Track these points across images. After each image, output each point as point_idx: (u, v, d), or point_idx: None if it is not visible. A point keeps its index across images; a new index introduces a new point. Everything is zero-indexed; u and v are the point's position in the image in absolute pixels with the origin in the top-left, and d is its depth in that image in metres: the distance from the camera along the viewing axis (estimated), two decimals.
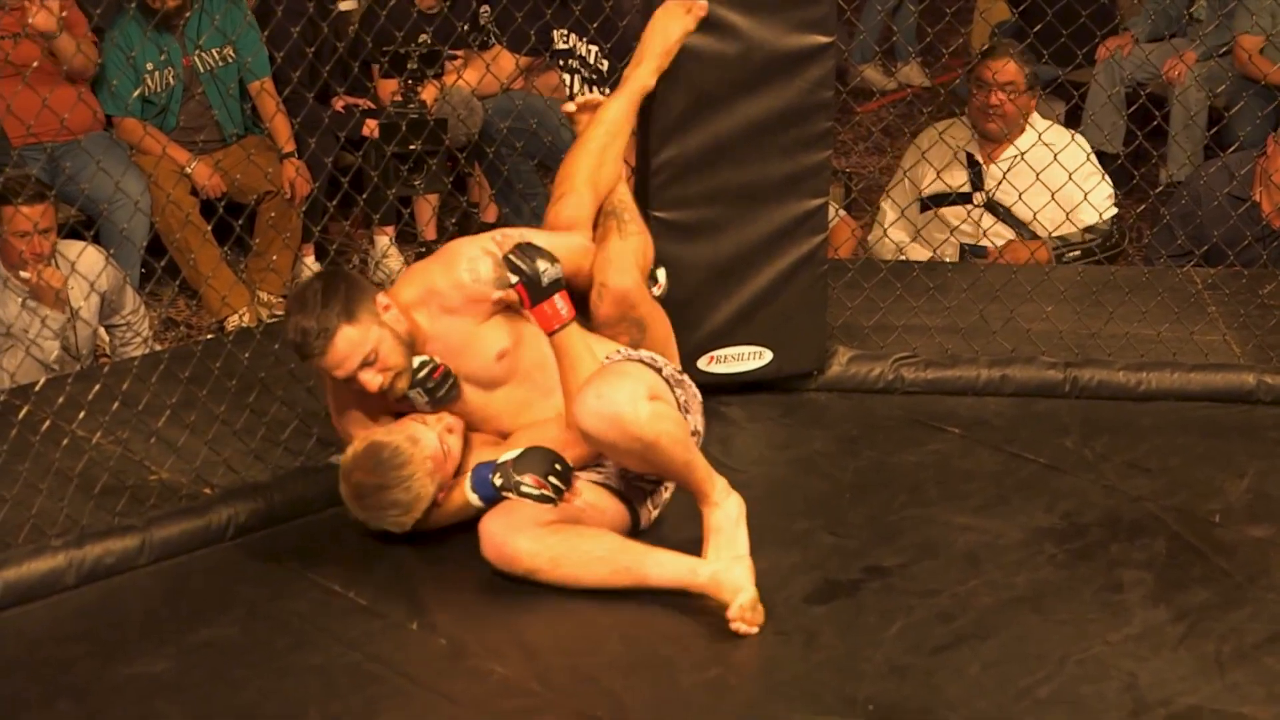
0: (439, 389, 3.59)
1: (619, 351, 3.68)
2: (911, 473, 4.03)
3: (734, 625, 3.33)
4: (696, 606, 3.48)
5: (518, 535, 3.43)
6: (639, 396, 3.37)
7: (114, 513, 3.69)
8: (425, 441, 3.55)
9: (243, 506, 3.76)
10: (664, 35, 4.00)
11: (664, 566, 3.41)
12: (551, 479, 3.49)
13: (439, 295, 3.63)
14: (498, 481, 3.51)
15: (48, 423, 3.79)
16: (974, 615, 3.45)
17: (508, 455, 3.53)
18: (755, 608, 3.34)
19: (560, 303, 3.55)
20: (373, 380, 3.56)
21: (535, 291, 3.53)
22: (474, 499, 3.54)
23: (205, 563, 3.67)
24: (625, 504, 3.63)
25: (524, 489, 3.48)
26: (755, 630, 3.33)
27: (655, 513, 3.69)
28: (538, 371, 3.67)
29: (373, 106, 5.95)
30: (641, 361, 3.60)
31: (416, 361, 3.58)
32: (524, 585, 3.42)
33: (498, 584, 3.47)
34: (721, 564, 3.39)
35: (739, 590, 3.35)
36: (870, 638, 3.38)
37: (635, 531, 3.65)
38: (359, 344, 3.53)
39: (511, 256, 3.54)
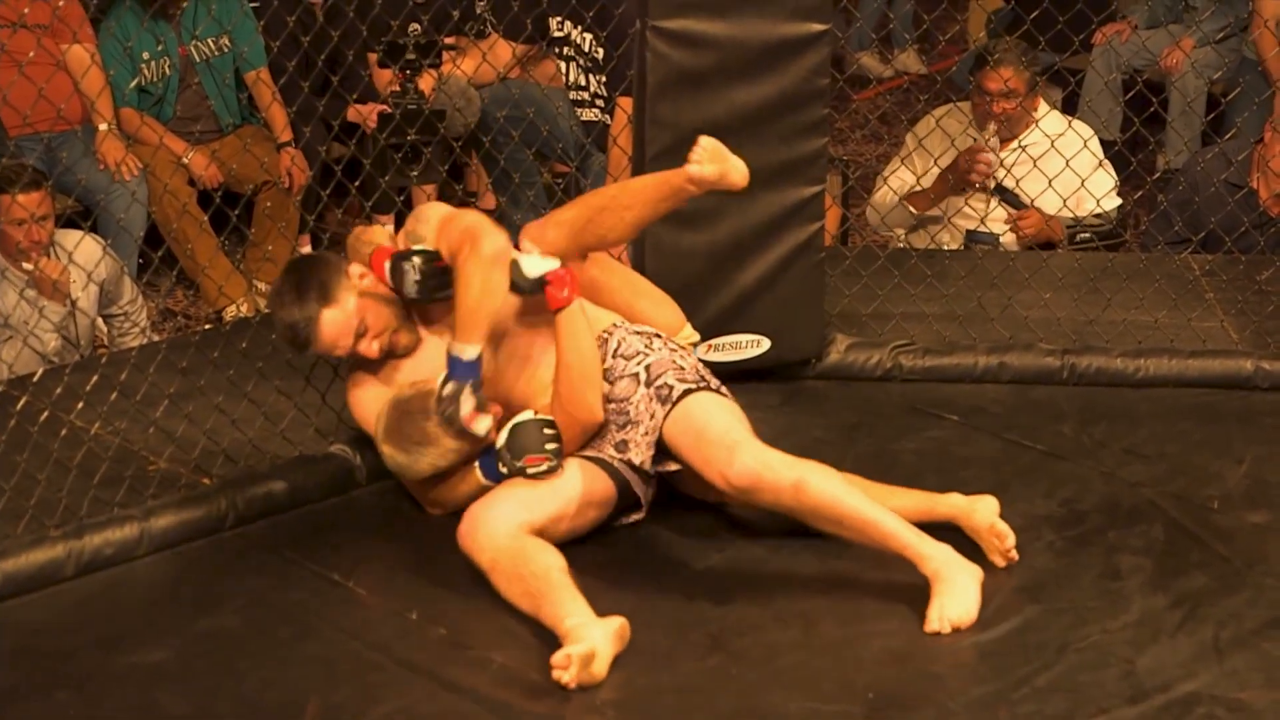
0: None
1: (618, 325, 3.71)
2: (910, 460, 4.04)
3: (554, 672, 3.18)
4: (694, 594, 3.49)
5: (479, 530, 3.45)
6: (751, 441, 3.45)
7: (113, 503, 3.69)
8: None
9: (242, 496, 3.77)
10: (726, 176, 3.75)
11: (554, 607, 3.31)
12: (548, 447, 3.53)
13: (451, 237, 3.63)
14: (504, 470, 3.55)
15: (46, 413, 3.78)
16: None
17: (501, 440, 3.55)
18: (585, 664, 3.16)
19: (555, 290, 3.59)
20: (371, 348, 3.62)
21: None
22: (487, 482, 3.59)
23: (205, 553, 3.68)
24: (616, 484, 3.62)
25: (529, 472, 3.53)
26: (571, 683, 3.15)
27: (651, 492, 3.69)
28: (543, 329, 3.66)
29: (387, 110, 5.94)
30: (707, 386, 3.59)
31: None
32: None
33: None
34: (588, 622, 3.25)
35: (579, 643, 3.20)
36: (869, 626, 3.38)
37: (630, 510, 3.66)
38: (345, 322, 3.59)
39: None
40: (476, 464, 3.60)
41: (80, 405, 3.86)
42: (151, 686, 3.21)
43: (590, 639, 3.21)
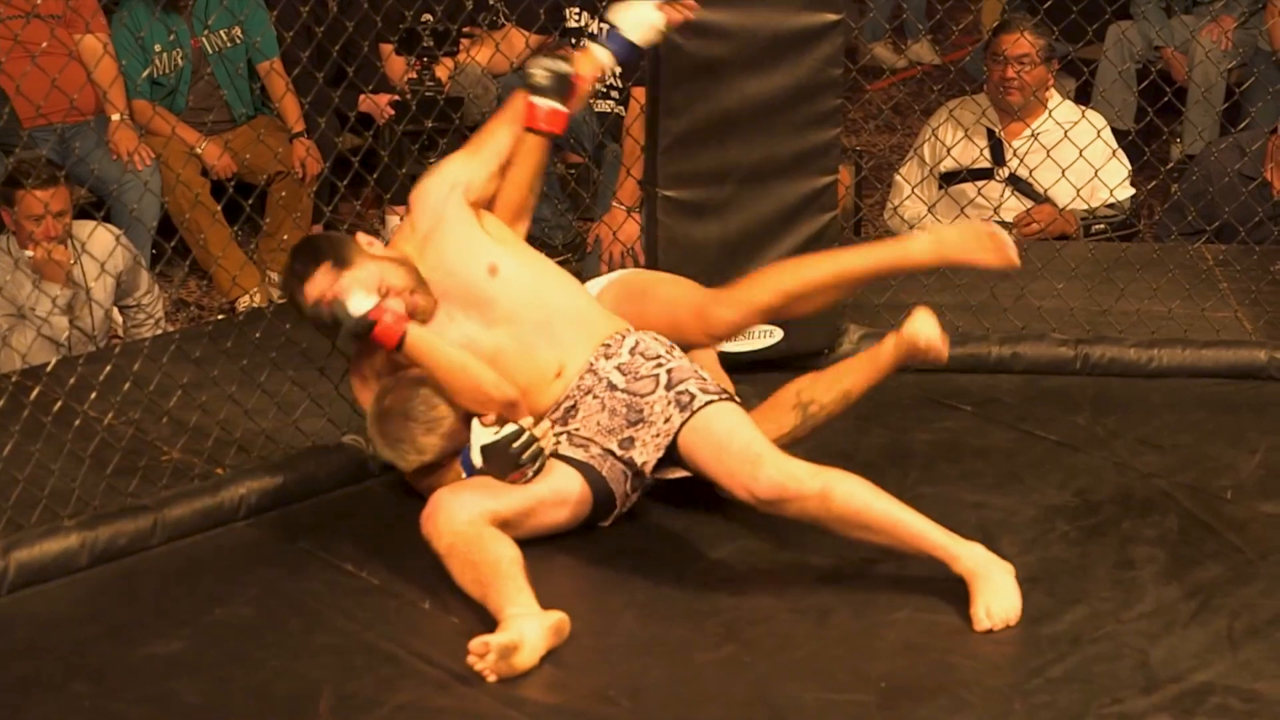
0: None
1: (630, 330, 3.69)
2: (924, 451, 4.04)
3: (469, 658, 3.16)
4: (708, 583, 3.49)
5: (439, 515, 3.44)
6: (773, 454, 3.41)
7: (126, 493, 3.70)
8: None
9: (255, 486, 3.77)
10: (946, 247, 3.81)
11: (499, 597, 3.29)
12: (524, 459, 3.51)
13: (414, 218, 3.69)
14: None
15: (59, 404, 3.79)
16: None
17: (474, 458, 3.56)
18: (505, 655, 3.14)
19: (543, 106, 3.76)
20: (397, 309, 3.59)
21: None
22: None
23: (218, 543, 3.68)
24: (593, 489, 3.58)
25: (518, 484, 3.53)
26: (488, 672, 3.14)
27: (635, 497, 3.66)
28: (534, 310, 3.64)
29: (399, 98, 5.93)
30: (731, 399, 3.57)
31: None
32: (534, 566, 3.40)
33: None
34: (525, 614, 3.23)
35: (507, 634, 3.18)
36: (883, 616, 3.38)
37: (606, 511, 3.62)
38: (369, 282, 3.56)
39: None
40: (458, 460, 3.60)
41: (94, 395, 3.86)
42: (166, 677, 3.22)
43: (518, 630, 3.19)
